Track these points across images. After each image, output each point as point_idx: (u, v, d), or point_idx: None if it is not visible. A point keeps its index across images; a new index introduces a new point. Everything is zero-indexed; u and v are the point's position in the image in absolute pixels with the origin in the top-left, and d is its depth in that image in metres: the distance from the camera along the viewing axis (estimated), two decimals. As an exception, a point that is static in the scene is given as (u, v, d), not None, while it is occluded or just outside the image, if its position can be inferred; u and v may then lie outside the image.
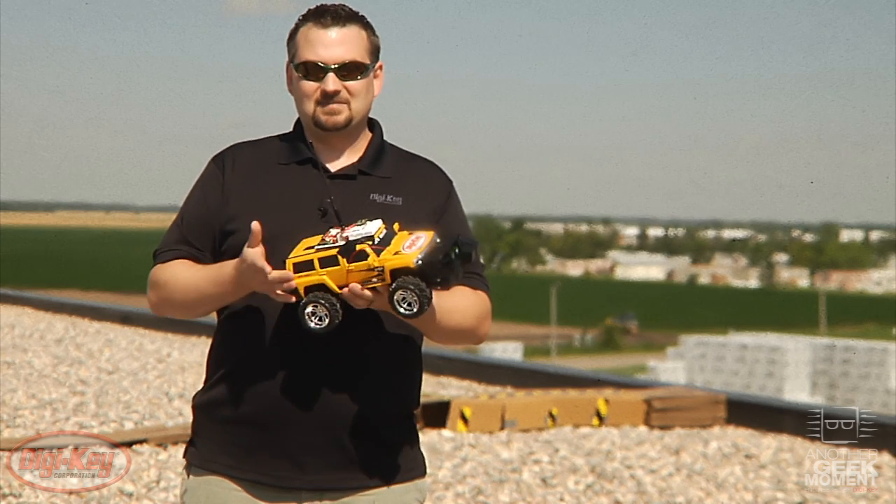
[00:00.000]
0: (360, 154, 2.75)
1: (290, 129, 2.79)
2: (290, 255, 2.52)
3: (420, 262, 2.43)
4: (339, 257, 2.47)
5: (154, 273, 2.73)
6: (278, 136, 2.80)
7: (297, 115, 2.79)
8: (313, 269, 2.49)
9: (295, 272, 2.50)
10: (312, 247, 2.51)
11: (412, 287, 2.42)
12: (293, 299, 2.51)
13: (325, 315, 2.48)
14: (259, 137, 2.81)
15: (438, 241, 2.49)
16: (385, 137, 2.81)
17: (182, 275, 2.68)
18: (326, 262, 2.48)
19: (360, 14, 2.74)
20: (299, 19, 2.73)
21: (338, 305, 2.48)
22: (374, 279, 2.46)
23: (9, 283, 37.27)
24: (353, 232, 2.49)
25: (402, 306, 2.44)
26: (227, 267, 2.61)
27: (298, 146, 2.74)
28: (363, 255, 2.46)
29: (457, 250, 2.47)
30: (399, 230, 2.54)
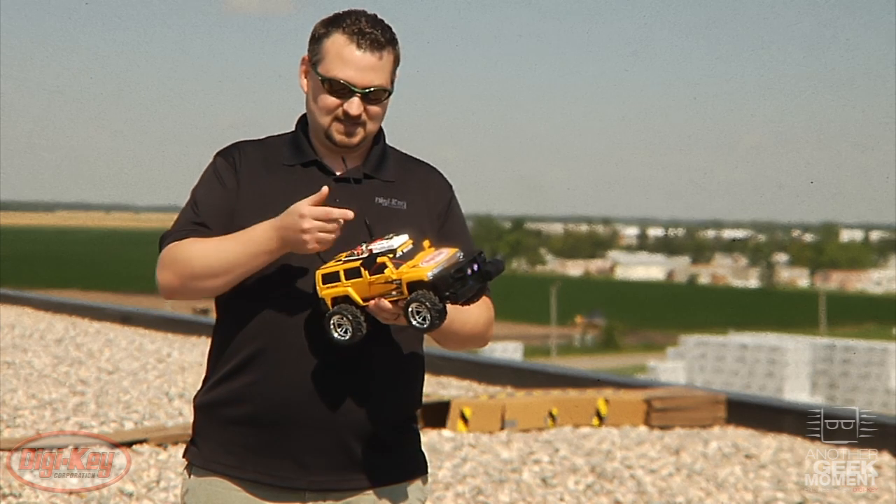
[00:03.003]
0: (364, 157, 2.73)
1: (292, 129, 2.76)
2: (322, 267, 2.54)
3: (433, 276, 2.44)
4: (362, 269, 2.49)
5: (168, 251, 2.64)
6: (281, 136, 2.77)
7: (296, 114, 2.76)
8: (339, 280, 2.50)
9: (323, 283, 2.52)
10: (342, 259, 2.53)
11: (424, 301, 2.43)
12: (329, 241, 2.51)
13: (349, 328, 2.50)
14: (262, 137, 2.77)
15: (461, 257, 2.50)
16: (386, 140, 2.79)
17: (203, 243, 2.60)
18: (351, 274, 2.50)
19: (393, 32, 2.67)
20: (330, 24, 2.66)
21: (362, 319, 2.50)
22: (394, 292, 2.47)
23: (9, 283, 37.29)
24: (379, 245, 2.51)
25: (415, 319, 2.45)
26: (263, 224, 2.57)
27: (303, 148, 2.72)
28: (382, 268, 2.47)
29: (475, 267, 2.47)
30: (429, 247, 2.54)
